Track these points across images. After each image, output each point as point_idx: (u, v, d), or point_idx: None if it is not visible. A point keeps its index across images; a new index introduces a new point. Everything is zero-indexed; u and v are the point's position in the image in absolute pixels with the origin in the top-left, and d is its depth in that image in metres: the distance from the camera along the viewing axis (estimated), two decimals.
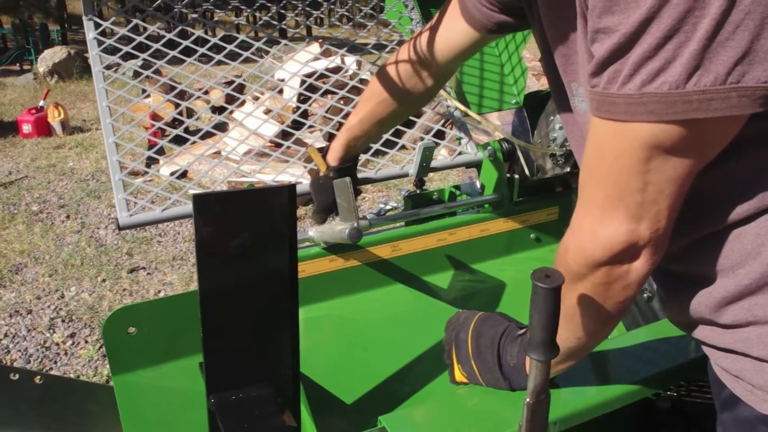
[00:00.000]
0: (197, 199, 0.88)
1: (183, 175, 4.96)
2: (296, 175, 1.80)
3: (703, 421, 1.71)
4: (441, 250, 1.70)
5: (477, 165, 1.86)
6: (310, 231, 1.55)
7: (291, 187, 0.94)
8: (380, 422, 0.98)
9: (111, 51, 1.71)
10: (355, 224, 1.41)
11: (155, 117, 5.50)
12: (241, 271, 0.93)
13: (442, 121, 3.00)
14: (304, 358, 1.03)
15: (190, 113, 7.27)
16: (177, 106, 6.20)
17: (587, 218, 0.83)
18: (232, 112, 5.24)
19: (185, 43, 1.81)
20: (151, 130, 2.25)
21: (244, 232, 0.92)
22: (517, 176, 1.75)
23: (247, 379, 1.00)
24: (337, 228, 1.44)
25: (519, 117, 1.86)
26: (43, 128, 8.26)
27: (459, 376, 1.11)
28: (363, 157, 1.59)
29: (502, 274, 1.73)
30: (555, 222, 1.82)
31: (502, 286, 1.73)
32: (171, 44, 1.79)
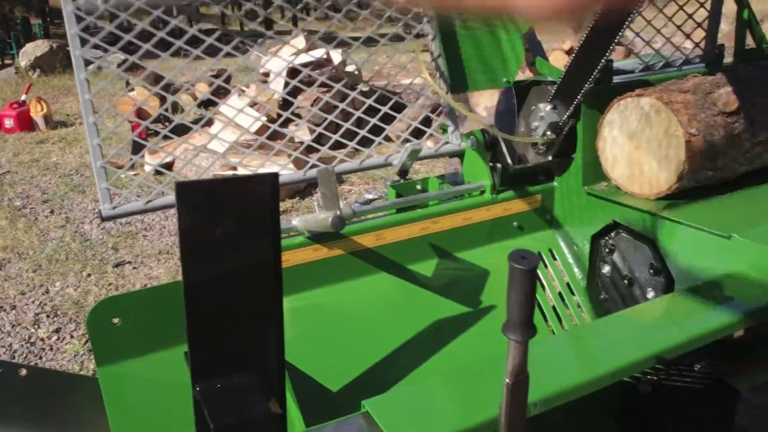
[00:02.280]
0: (180, 188, 0.88)
1: (168, 167, 4.94)
2: (281, 164, 1.81)
3: (683, 404, 1.74)
4: (425, 239, 1.71)
5: (460, 155, 1.87)
6: (294, 220, 1.56)
7: (274, 176, 0.94)
8: (363, 406, 0.99)
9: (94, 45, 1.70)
10: (338, 212, 1.42)
11: (140, 112, 5.48)
12: (225, 259, 0.94)
13: (430, 109, 3.00)
14: (289, 347, 1.03)
15: (175, 107, 7.23)
16: (162, 100, 6.19)
17: None
18: (217, 105, 5.21)
19: (161, 35, 1.80)
20: (138, 130, 2.24)
21: (228, 221, 0.93)
22: (499, 165, 1.77)
23: (232, 368, 1.00)
24: (320, 216, 1.45)
25: (505, 97, 1.87)
26: (26, 123, 8.20)
27: None
28: (346, 150, 1.60)
29: (485, 261, 1.75)
30: (537, 210, 1.84)
31: (485, 273, 1.74)
32: (155, 37, 1.78)
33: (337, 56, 6.69)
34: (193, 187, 0.90)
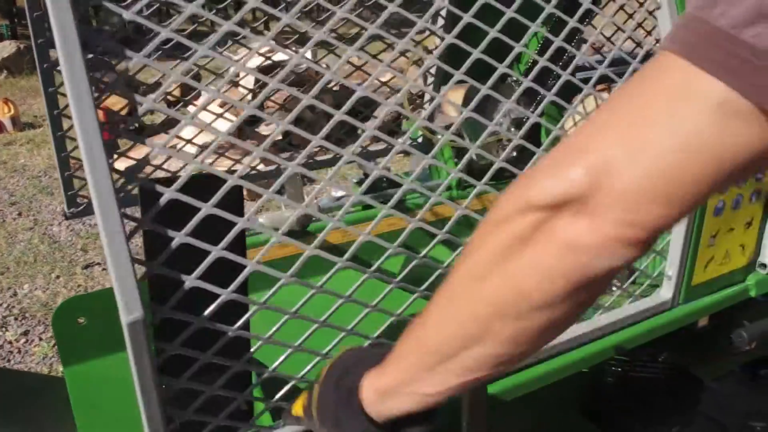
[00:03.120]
0: (143, 187, 0.88)
1: (139, 169, 4.91)
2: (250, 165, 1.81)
3: (648, 395, 1.78)
4: (392, 236, 1.72)
5: (428, 151, 1.89)
6: (260, 218, 1.57)
7: (237, 174, 0.95)
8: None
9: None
10: (303, 210, 1.43)
11: (110, 115, 5.41)
12: (189, 259, 0.94)
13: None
14: (255, 344, 1.04)
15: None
16: (133, 102, 6.13)
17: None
18: (187, 105, 5.17)
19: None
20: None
21: (191, 219, 0.93)
22: (464, 162, 1.79)
23: (198, 366, 1.00)
24: (285, 214, 1.46)
25: (474, 93, 1.89)
26: None
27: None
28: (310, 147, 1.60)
29: (450, 257, 1.77)
30: None
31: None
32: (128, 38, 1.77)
33: (308, 56, 6.67)
34: (156, 186, 0.90)
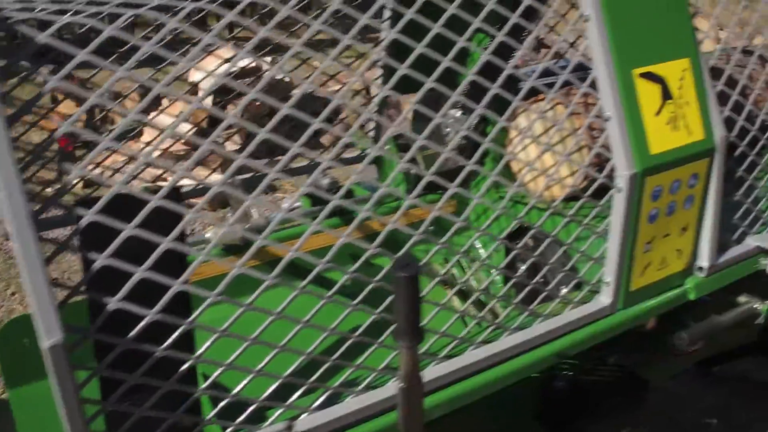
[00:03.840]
0: (81, 205, 0.87)
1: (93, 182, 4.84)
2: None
3: (600, 398, 1.80)
4: (341, 247, 1.72)
5: (377, 161, 1.90)
6: (208, 233, 1.56)
7: (177, 190, 0.95)
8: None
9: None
10: (250, 224, 1.43)
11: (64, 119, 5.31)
12: (130, 276, 0.93)
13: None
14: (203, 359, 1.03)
15: (105, 118, 7.07)
16: (90, 112, 6.04)
17: None
18: (149, 114, 5.12)
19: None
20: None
21: (132, 238, 0.92)
22: (413, 171, 1.80)
23: (142, 385, 0.99)
24: (230, 229, 1.45)
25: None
26: None
27: None
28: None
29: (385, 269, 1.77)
30: (454, 214, 1.87)
31: None
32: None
33: (266, 65, 6.63)
34: (95, 204, 0.89)
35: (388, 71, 1.89)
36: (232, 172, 0.89)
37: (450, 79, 1.21)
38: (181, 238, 0.98)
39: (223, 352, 1.41)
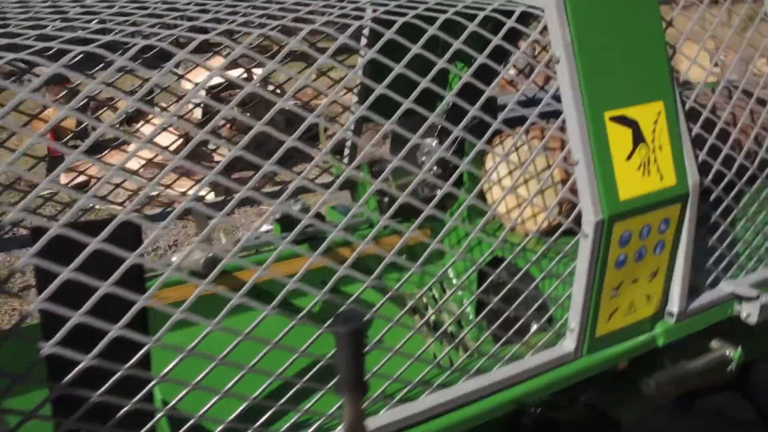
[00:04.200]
0: (36, 232, 0.85)
1: (83, 186, 4.79)
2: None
3: None
4: (310, 274, 1.69)
5: (351, 186, 1.87)
6: (173, 257, 1.53)
7: (136, 217, 0.93)
8: None
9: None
10: (211, 253, 1.39)
11: (57, 131, 5.29)
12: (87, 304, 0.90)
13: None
14: (165, 387, 1.00)
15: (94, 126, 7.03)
16: (79, 121, 5.99)
17: None
18: (139, 122, 5.11)
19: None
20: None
21: (89, 265, 0.89)
22: (387, 199, 1.77)
23: (98, 413, 0.96)
24: (193, 257, 1.41)
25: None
26: None
27: None
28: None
29: (372, 296, 1.74)
30: (427, 243, 1.84)
31: (371, 308, 1.73)
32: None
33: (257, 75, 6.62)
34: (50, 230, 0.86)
35: (365, 92, 1.86)
36: (198, 189, 0.86)
37: (429, 102, 1.19)
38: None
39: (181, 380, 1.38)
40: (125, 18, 1.04)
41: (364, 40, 1.81)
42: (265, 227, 1.95)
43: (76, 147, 0.89)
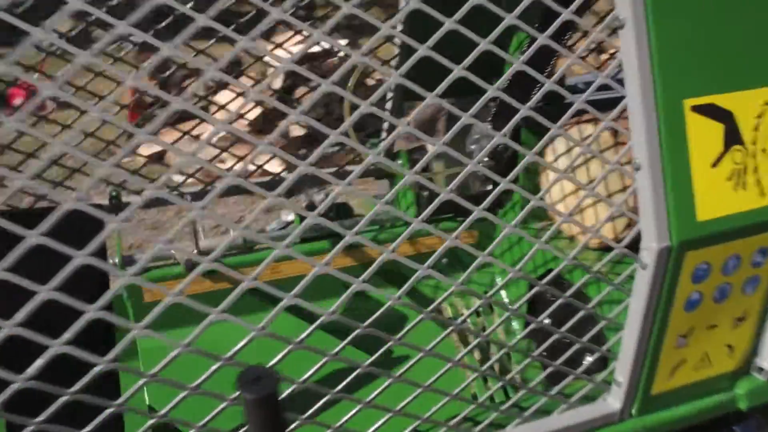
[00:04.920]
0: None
1: (161, 157, 4.75)
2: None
3: None
4: (330, 275, 1.47)
5: (388, 177, 1.62)
6: (174, 248, 1.35)
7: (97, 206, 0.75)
8: None
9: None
10: (195, 250, 1.19)
11: (137, 101, 5.27)
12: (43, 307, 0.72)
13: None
14: (158, 390, 0.81)
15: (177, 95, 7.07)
16: (162, 87, 6.00)
17: None
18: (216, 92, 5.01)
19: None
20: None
21: (43, 258, 0.72)
22: (426, 193, 1.51)
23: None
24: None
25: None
26: None
27: None
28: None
29: (402, 305, 1.50)
30: (473, 247, 1.57)
31: (402, 320, 1.49)
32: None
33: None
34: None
35: (405, 52, 1.57)
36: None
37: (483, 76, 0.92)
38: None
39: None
40: None
41: None
42: (287, 217, 1.74)
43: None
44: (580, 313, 0.97)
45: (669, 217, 0.85)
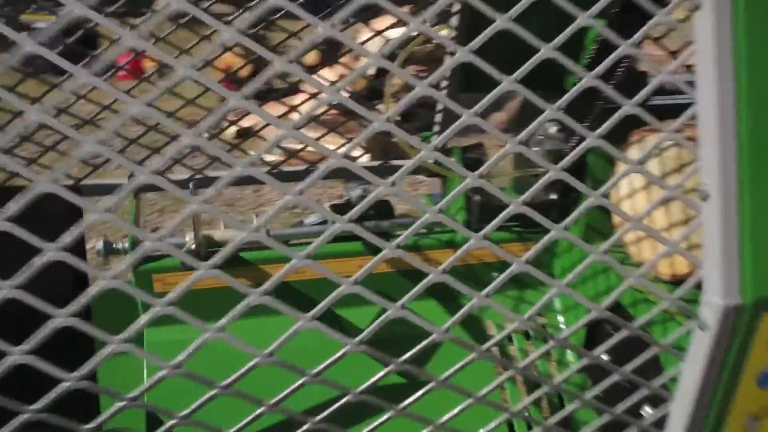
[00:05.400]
0: None
1: (246, 132, 4.77)
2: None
3: None
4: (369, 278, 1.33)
5: (443, 175, 1.46)
6: (186, 236, 1.25)
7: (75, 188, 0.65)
8: None
9: None
10: (197, 243, 1.07)
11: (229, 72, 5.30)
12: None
13: None
14: (163, 391, 0.71)
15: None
16: (257, 64, 5.99)
17: None
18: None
19: None
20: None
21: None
22: (478, 197, 1.34)
23: None
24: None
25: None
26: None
27: None
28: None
29: (439, 319, 1.33)
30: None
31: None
32: None
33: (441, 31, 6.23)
34: None
35: (465, 33, 1.37)
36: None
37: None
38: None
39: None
40: None
41: None
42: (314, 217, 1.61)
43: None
44: (644, 354, 0.78)
45: (742, 266, 0.64)
